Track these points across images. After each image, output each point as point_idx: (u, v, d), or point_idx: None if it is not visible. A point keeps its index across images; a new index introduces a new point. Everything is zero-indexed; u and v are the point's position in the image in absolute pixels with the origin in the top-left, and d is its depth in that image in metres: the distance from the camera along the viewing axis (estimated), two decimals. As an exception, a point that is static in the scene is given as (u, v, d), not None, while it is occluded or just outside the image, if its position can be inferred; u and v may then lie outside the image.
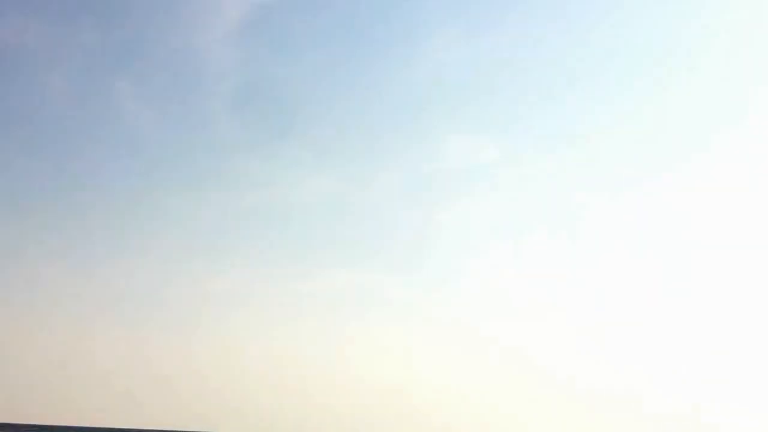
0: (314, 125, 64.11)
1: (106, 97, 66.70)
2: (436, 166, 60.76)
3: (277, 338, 52.42)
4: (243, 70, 64.05)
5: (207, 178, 65.28)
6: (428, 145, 61.60)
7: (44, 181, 67.71)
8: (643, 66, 63.51)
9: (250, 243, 59.66)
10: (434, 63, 62.55)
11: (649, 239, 54.39)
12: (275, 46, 64.45)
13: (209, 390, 49.94)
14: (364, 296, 52.37)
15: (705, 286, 47.39)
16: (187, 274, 57.82)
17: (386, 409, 47.68)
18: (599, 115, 62.41)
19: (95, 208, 64.65)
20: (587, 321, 51.60)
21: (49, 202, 64.88)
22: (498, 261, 54.28)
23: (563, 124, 63.48)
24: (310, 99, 63.86)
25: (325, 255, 56.88)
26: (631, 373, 45.44)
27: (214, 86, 63.59)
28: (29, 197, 64.66)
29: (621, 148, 60.01)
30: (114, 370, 51.72)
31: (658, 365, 45.01)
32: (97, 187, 64.79)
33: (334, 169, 60.04)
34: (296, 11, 62.58)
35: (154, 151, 63.76)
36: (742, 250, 49.94)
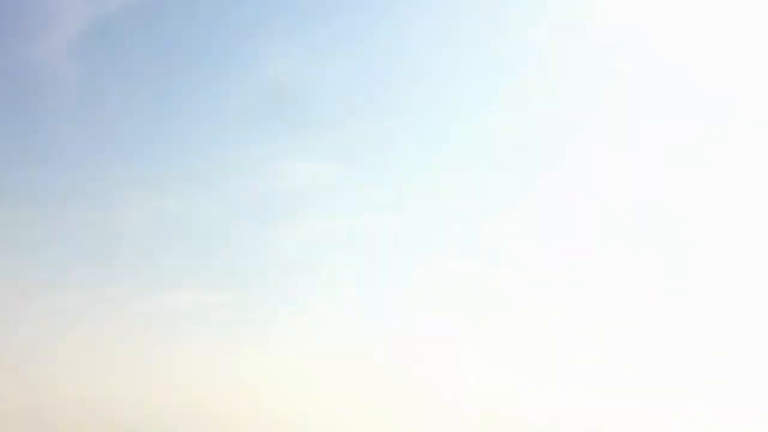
0: (149, 143, 65.20)
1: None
2: (275, 186, 61.27)
3: (110, 360, 52.74)
4: (82, 83, 64.44)
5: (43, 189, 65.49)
6: (268, 166, 62.03)
7: None
8: (479, 98, 65.05)
9: (82, 261, 59.59)
10: (276, 84, 62.91)
11: (480, 269, 56.23)
12: (114, 59, 65.22)
13: (20, 408, 49.88)
14: (203, 317, 53.16)
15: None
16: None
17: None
18: (442, 144, 63.57)
19: None
20: (430, 334, 53.73)
21: None
22: (335, 282, 55.65)
23: (403, 151, 64.58)
24: (141, 114, 64.97)
25: (161, 274, 57.25)
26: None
27: (51, 100, 64.18)
28: None
29: (462, 179, 60.95)
30: None
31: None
32: None
33: (171, 189, 60.66)
34: (135, 26, 63.59)
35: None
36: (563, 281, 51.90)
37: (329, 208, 57.98)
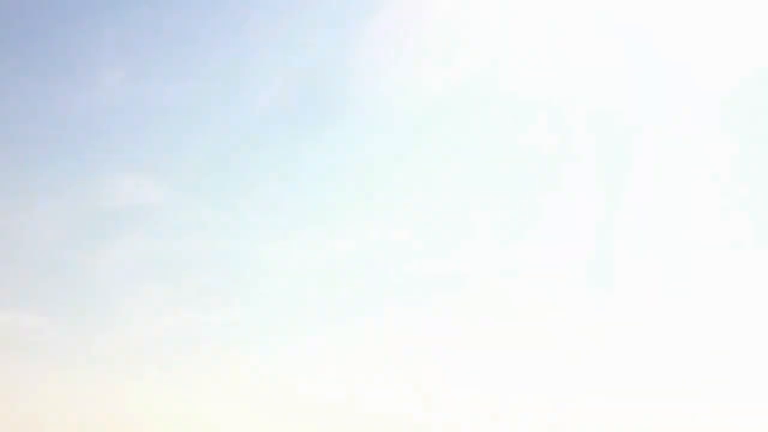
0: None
1: None
2: (98, 204, 60.40)
3: None
4: None
5: None
6: (90, 182, 61.23)
7: None
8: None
9: None
10: (99, 101, 62.20)
11: (324, 288, 56.03)
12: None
13: None
14: (19, 340, 52.28)
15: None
16: None
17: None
18: (277, 164, 63.00)
19: None
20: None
21: None
22: (158, 303, 55.03)
23: (234, 171, 63.98)
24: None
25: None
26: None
27: None
28: None
29: (294, 198, 60.49)
30: None
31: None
32: None
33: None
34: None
35: None
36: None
37: (155, 228, 56.40)
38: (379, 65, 55.42)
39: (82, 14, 59.45)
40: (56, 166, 57.74)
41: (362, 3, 55.76)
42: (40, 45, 61.54)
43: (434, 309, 48.87)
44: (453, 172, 54.61)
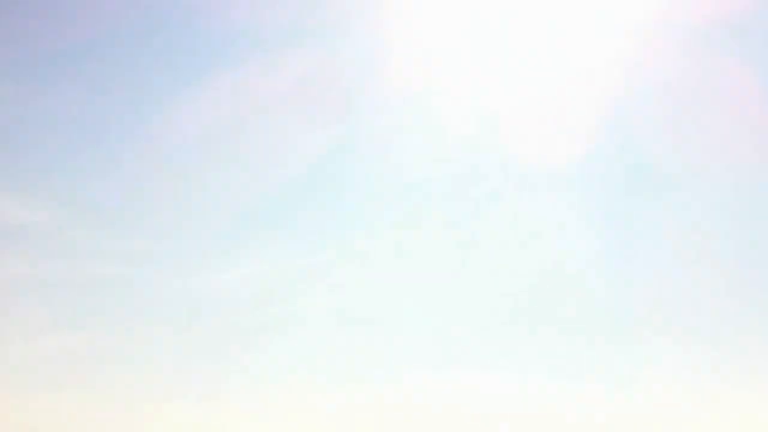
0: None
1: None
2: None
3: None
4: None
5: None
6: None
7: None
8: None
9: None
10: None
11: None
12: None
13: None
14: None
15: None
16: None
17: None
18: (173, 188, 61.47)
19: None
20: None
21: None
22: (43, 326, 53.99)
23: (122, 190, 62.52)
24: None
25: None
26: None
27: None
28: None
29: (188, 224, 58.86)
30: None
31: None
32: None
33: None
34: None
35: None
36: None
37: (34, 252, 54.55)
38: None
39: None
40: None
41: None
42: None
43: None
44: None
